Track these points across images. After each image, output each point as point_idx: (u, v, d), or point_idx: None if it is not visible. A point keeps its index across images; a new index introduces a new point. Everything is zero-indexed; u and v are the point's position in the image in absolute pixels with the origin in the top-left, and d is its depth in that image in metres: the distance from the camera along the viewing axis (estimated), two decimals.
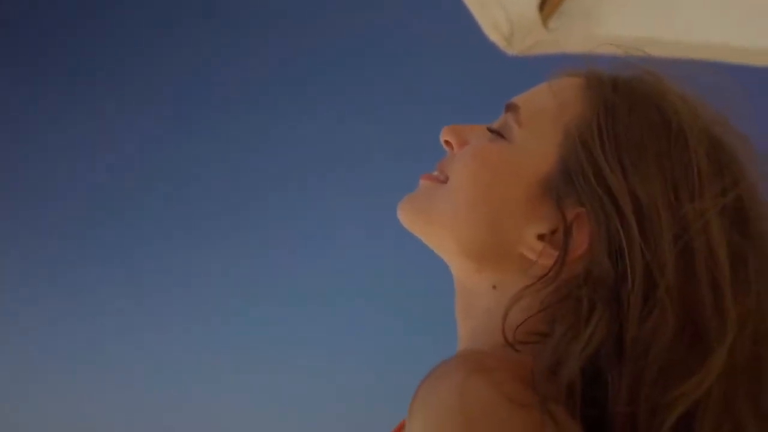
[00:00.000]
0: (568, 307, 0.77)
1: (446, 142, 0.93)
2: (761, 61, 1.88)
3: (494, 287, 0.85)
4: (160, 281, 4.79)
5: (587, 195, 0.79)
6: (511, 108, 0.89)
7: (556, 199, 0.82)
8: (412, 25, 4.01)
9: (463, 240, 0.86)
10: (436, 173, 0.93)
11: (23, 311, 4.88)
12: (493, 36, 1.86)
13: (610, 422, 0.72)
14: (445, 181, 0.90)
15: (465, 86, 4.25)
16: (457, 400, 0.68)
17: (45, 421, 4.81)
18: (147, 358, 4.79)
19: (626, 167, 0.79)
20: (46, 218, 4.87)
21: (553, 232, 0.82)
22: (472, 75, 4.24)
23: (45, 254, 4.92)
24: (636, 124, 0.81)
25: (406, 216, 0.92)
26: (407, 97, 4.42)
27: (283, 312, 4.63)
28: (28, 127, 4.84)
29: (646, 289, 0.74)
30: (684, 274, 0.75)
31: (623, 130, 0.80)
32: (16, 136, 4.86)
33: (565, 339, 0.74)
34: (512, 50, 1.90)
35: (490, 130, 0.90)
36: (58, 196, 4.86)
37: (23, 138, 4.86)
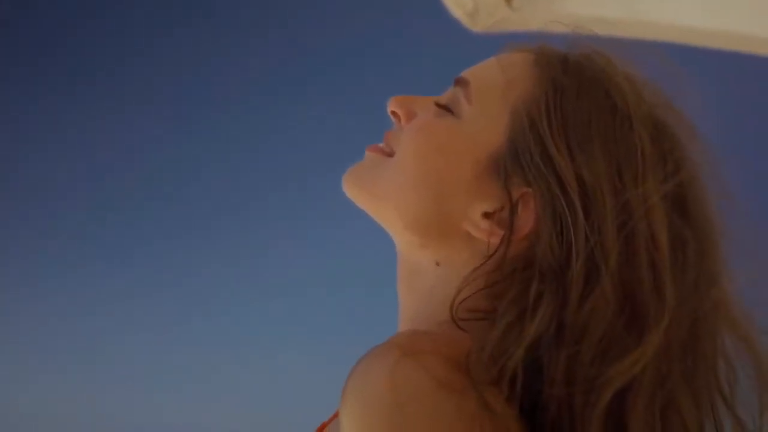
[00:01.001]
0: (513, 288, 0.77)
1: (393, 113, 0.92)
2: (724, 45, 1.88)
3: (438, 264, 0.85)
4: (160, 277, 4.81)
5: (534, 175, 0.79)
6: (460, 82, 0.88)
7: (504, 177, 0.82)
8: (411, 24, 4.02)
9: (407, 214, 0.85)
10: (382, 145, 0.92)
11: (23, 309, 4.91)
12: (457, 12, 1.83)
13: (545, 405, 0.72)
14: (391, 154, 0.89)
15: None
16: (388, 385, 0.67)
17: (45, 417, 4.83)
18: (147, 355, 4.81)
19: (573, 149, 0.79)
20: (45, 217, 4.90)
21: (499, 210, 0.82)
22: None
23: (46, 252, 4.95)
24: (583, 106, 0.81)
25: (350, 188, 0.90)
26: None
27: (283, 307, 4.65)
28: (27, 126, 4.86)
29: (588, 270, 0.74)
30: (625, 256, 0.75)
31: (571, 112, 0.80)
32: (15, 136, 4.89)
33: (511, 325, 0.74)
34: (476, 28, 1.89)
35: (438, 105, 0.89)
36: (57, 195, 4.88)
37: (23, 137, 4.89)
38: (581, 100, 0.81)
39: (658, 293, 0.74)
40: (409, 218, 0.85)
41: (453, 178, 0.83)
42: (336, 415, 0.84)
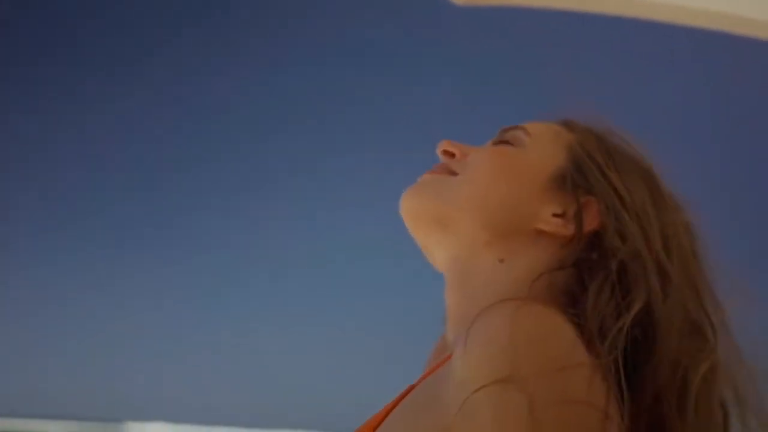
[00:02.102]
0: (595, 270, 0.88)
1: (445, 152, 1.01)
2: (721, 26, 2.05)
3: (501, 260, 0.94)
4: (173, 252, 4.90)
5: (595, 186, 0.95)
6: (516, 127, 1.01)
7: (570, 187, 0.96)
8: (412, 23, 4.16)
9: (483, 213, 0.94)
10: (445, 168, 1.01)
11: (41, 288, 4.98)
12: None
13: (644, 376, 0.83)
14: (454, 174, 0.99)
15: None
16: (510, 325, 0.71)
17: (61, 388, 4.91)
18: (157, 329, 4.91)
19: (621, 173, 0.97)
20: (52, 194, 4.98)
21: (566, 213, 0.95)
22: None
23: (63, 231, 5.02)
24: (620, 150, 1.01)
25: (413, 199, 0.97)
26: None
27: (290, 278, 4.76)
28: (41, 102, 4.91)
29: (659, 267, 0.89)
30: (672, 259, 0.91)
31: (614, 151, 1.00)
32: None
33: (608, 301, 0.84)
34: (459, 0, 2.05)
35: (497, 142, 1.02)
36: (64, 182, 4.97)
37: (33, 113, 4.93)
38: (617, 144, 1.01)
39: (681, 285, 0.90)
40: (485, 216, 0.93)
41: (525, 187, 0.95)
42: (425, 376, 0.87)
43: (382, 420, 0.83)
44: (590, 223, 0.93)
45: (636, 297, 0.85)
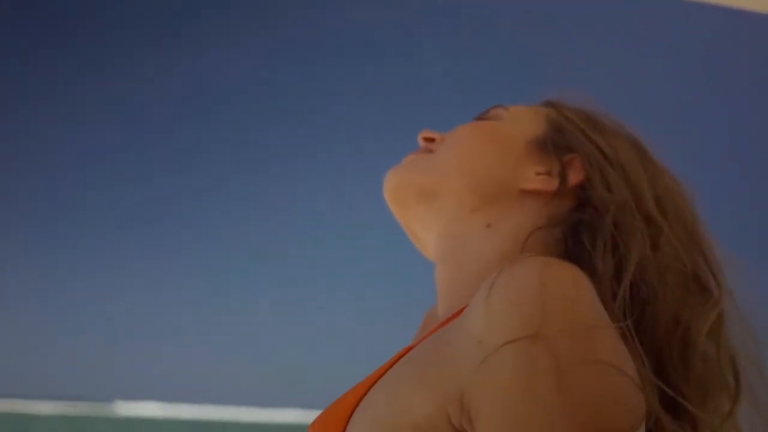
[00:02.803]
0: (585, 231, 0.86)
1: (425, 138, 1.00)
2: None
3: (488, 225, 0.92)
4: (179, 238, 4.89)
5: (577, 144, 0.94)
6: (495, 106, 1.01)
7: (551, 148, 0.94)
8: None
9: (465, 178, 0.93)
10: (419, 151, 1.01)
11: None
12: None
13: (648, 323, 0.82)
14: (434, 152, 0.99)
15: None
16: (538, 278, 0.69)
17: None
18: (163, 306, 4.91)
19: (605, 135, 0.97)
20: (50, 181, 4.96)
21: (550, 170, 0.94)
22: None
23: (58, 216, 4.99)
24: (603, 118, 1.01)
25: (397, 177, 0.96)
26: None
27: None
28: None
29: (649, 218, 0.88)
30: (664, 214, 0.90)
31: (595, 117, 1.00)
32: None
33: (607, 253, 0.83)
34: None
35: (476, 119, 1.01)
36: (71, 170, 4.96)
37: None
38: (600, 116, 1.00)
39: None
40: (469, 182, 0.92)
41: (505, 151, 0.94)
42: (423, 339, 0.84)
43: (376, 381, 0.80)
44: (575, 177, 0.92)
45: (630, 251, 0.84)
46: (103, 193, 5.06)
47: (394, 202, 0.97)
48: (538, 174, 0.94)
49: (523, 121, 0.98)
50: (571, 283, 0.71)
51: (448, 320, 0.81)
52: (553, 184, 0.92)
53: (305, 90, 4.66)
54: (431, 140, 1.00)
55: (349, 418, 0.77)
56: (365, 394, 0.78)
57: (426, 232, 0.97)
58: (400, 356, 0.83)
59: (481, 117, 1.02)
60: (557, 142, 0.95)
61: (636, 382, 0.68)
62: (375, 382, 0.80)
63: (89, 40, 4.88)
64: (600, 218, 0.86)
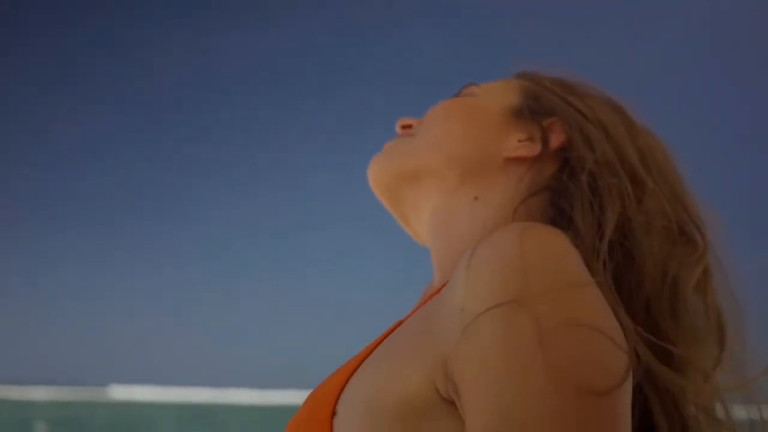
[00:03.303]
0: (570, 192, 0.86)
1: (403, 126, 1.01)
2: None
3: (476, 198, 0.93)
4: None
5: (555, 108, 0.94)
6: (467, 85, 1.01)
7: (529, 116, 0.95)
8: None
9: (447, 153, 0.93)
10: (398, 137, 1.01)
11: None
12: None
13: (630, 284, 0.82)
14: (413, 135, 0.99)
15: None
16: (519, 244, 0.69)
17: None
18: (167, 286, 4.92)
19: (583, 98, 0.97)
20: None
21: (531, 137, 0.94)
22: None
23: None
24: (580, 84, 1.00)
25: (380, 162, 0.97)
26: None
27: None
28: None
29: (633, 174, 0.87)
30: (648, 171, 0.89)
31: (571, 83, 1.00)
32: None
33: (590, 215, 0.83)
34: None
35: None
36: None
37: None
38: (577, 82, 1.00)
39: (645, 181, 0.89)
40: (451, 156, 0.92)
41: (484, 123, 0.95)
42: (414, 311, 0.85)
43: (369, 354, 0.80)
44: (556, 140, 0.92)
45: (611, 205, 0.84)
46: (96, 179, 5.06)
47: (379, 190, 0.98)
48: (520, 141, 0.94)
49: (497, 94, 0.98)
50: (551, 246, 0.71)
51: (437, 292, 0.81)
52: (535, 149, 0.92)
53: (301, 69, 4.64)
54: (409, 126, 1.00)
55: (341, 391, 0.77)
56: (357, 367, 0.78)
57: (417, 216, 0.97)
58: (392, 330, 0.84)
59: (454, 96, 1.02)
60: (535, 108, 0.96)
61: (618, 343, 0.69)
62: (367, 356, 0.80)
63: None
64: (578, 178, 0.86)
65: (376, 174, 0.97)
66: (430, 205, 0.95)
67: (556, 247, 0.71)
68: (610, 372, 0.67)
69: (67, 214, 4.99)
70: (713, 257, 0.89)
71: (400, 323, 0.84)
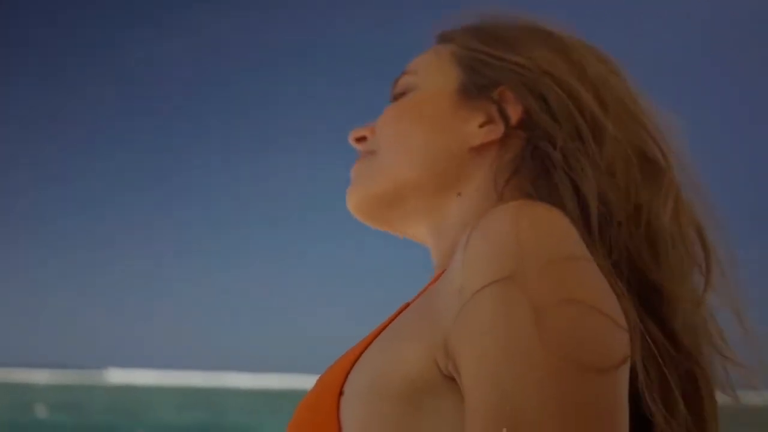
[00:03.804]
0: (542, 163, 0.83)
1: (357, 139, 0.97)
2: None
3: (459, 194, 0.90)
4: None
5: (498, 74, 0.89)
6: (400, 76, 0.97)
7: (476, 94, 0.89)
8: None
9: (416, 165, 0.90)
10: (365, 152, 0.96)
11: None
12: None
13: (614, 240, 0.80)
14: (373, 153, 0.95)
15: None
16: (514, 221, 0.69)
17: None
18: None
19: (515, 47, 0.91)
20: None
21: (489, 118, 0.89)
22: None
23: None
24: (504, 26, 0.94)
25: (356, 191, 0.94)
26: None
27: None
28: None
29: (593, 129, 0.84)
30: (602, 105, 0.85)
31: (495, 31, 0.93)
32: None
33: (568, 185, 0.80)
34: None
35: (392, 100, 0.97)
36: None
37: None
38: (501, 26, 0.95)
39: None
40: (421, 166, 0.90)
41: (437, 119, 0.91)
42: (419, 295, 0.84)
43: (375, 337, 0.80)
44: (514, 111, 0.87)
45: (583, 175, 0.81)
46: (96, 161, 5.12)
47: (365, 219, 0.96)
48: (481, 126, 0.89)
49: (436, 79, 0.94)
50: (545, 223, 0.69)
51: (439, 276, 0.81)
52: (498, 130, 0.87)
53: (307, 51, 4.68)
54: (363, 139, 0.97)
55: (348, 374, 0.77)
56: (364, 351, 0.78)
57: (410, 226, 0.95)
58: (398, 313, 0.83)
59: (395, 95, 0.97)
60: (477, 81, 0.90)
61: (617, 320, 0.67)
62: (373, 340, 0.80)
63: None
64: (546, 150, 0.83)
65: (356, 205, 0.94)
66: (418, 214, 0.93)
67: (551, 224, 0.70)
68: (608, 350, 0.66)
69: (65, 200, 5.07)
70: (682, 172, 0.87)
71: (405, 306, 0.83)
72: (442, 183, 0.90)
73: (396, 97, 0.96)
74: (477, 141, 0.88)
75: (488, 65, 0.90)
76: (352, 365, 0.78)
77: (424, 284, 0.97)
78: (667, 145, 0.87)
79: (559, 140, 0.83)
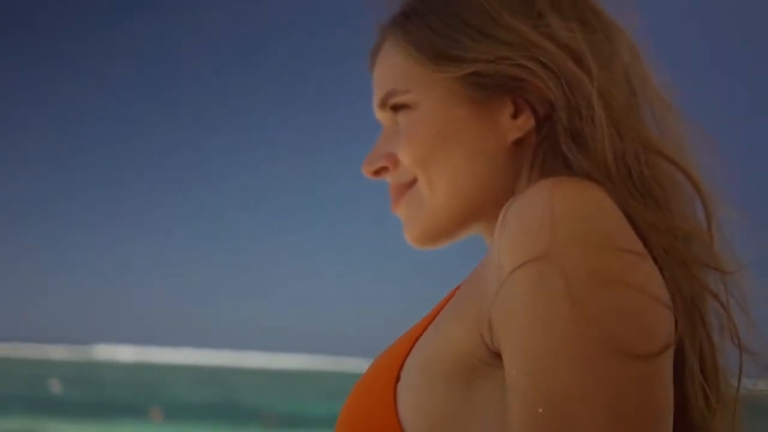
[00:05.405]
0: (574, 136, 0.80)
1: (376, 172, 0.94)
2: None
3: (513, 191, 0.86)
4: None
5: (491, 54, 0.84)
6: (389, 95, 0.91)
7: (491, 86, 0.85)
8: None
9: (471, 191, 0.88)
10: (400, 185, 0.92)
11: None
12: None
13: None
14: (412, 184, 0.91)
15: None
16: (549, 199, 0.69)
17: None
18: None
19: (495, 22, 0.85)
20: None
21: (516, 106, 0.86)
22: None
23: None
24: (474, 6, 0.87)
25: (418, 234, 0.91)
26: None
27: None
28: None
29: (606, 105, 0.80)
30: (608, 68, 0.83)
31: (479, 9, 0.86)
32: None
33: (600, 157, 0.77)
34: None
35: (393, 124, 0.92)
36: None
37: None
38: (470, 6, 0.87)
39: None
40: (474, 194, 0.88)
41: (469, 137, 0.87)
42: (471, 275, 0.82)
43: (431, 320, 0.81)
44: (534, 97, 0.84)
45: (597, 139, 0.79)
46: (88, 143, 5.08)
47: (436, 246, 0.93)
48: (513, 118, 0.86)
49: (430, 86, 0.89)
50: (583, 200, 0.70)
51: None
52: (530, 120, 0.85)
53: (308, 37, 4.62)
54: (385, 169, 0.93)
55: (405, 358, 0.78)
56: (421, 335, 0.79)
57: (471, 231, 0.93)
58: (451, 295, 0.84)
59: (394, 118, 0.92)
60: (486, 75, 0.86)
61: (663, 303, 0.67)
62: (430, 323, 0.81)
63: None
64: (559, 126, 0.82)
65: (422, 244, 0.92)
66: (481, 226, 0.91)
67: (586, 201, 0.70)
68: (648, 335, 0.66)
69: (78, 179, 5.04)
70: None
71: (457, 289, 0.83)
72: (501, 195, 0.86)
73: (393, 108, 0.91)
74: (516, 134, 0.86)
75: (480, 45, 0.84)
76: (410, 349, 0.79)
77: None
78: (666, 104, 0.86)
79: (583, 108, 0.80)
